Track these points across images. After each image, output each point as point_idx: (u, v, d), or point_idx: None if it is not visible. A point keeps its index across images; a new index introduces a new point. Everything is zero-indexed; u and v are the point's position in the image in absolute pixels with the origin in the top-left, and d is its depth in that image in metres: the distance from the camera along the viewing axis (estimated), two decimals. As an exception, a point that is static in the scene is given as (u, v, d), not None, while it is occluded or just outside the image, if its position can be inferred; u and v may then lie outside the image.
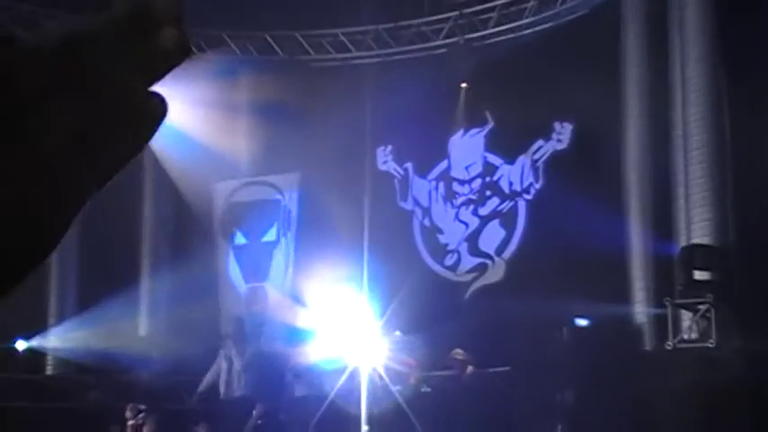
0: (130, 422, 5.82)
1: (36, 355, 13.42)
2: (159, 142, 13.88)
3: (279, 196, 13.75)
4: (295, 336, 12.28)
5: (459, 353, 11.05)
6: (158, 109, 0.63)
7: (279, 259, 13.65)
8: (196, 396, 11.15)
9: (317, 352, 11.04)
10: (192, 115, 13.82)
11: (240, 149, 14.27)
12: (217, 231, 13.86)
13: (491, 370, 11.99)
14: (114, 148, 0.62)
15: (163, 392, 13.35)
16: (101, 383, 11.89)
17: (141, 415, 5.64)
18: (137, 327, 13.50)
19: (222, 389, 11.36)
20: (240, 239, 13.89)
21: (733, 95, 10.18)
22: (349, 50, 14.29)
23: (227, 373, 11.37)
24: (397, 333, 11.33)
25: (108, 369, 12.25)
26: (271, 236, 13.76)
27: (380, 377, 11.07)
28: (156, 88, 0.63)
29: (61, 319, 13.54)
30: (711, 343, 9.63)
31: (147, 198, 14.04)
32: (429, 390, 11.07)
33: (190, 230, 13.86)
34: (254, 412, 9.11)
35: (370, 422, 8.48)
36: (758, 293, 9.55)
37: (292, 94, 14.04)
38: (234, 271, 13.86)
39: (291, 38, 14.40)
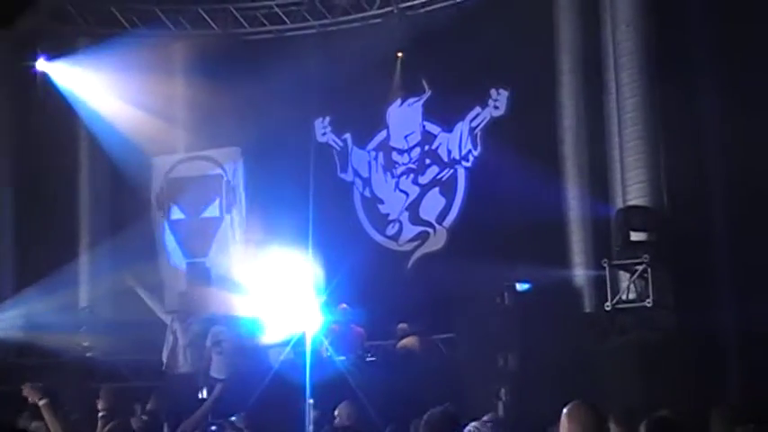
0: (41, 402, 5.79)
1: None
2: (96, 117, 13.77)
3: (220, 171, 13.64)
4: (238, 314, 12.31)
5: (402, 328, 11.16)
6: None
7: (223, 235, 13.54)
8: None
9: (261, 325, 11.05)
10: (127, 90, 13.69)
11: (178, 123, 14.15)
12: (153, 206, 13.71)
13: (435, 337, 12.12)
14: None
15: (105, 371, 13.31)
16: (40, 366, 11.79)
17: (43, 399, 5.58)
18: (77, 301, 13.36)
19: (166, 363, 11.36)
20: (177, 214, 13.74)
21: (663, 58, 10.31)
22: (284, 22, 14.21)
23: (171, 347, 11.37)
24: (344, 305, 11.39)
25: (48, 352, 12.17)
26: (212, 211, 13.65)
27: (326, 349, 11.14)
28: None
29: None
30: (649, 303, 9.81)
31: (83, 172, 13.88)
32: (374, 359, 11.17)
33: (128, 205, 13.71)
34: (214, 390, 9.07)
35: (314, 394, 8.51)
36: (690, 252, 9.74)
37: (228, 68, 13.95)
38: (171, 246, 13.72)
39: (225, 11, 14.28)
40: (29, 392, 6.03)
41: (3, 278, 13.40)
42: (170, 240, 13.72)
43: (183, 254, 13.64)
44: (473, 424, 5.87)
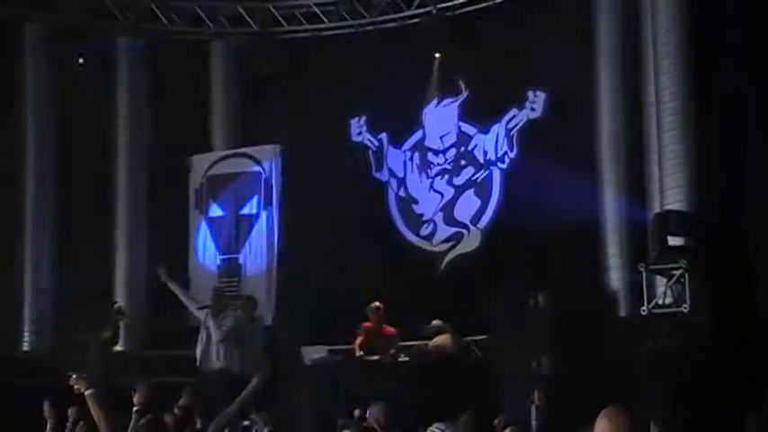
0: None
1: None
2: (135, 114, 13.87)
3: (259, 168, 13.67)
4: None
5: (436, 325, 11.12)
6: None
7: (258, 231, 13.58)
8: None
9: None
10: (166, 87, 13.79)
11: (216, 121, 14.22)
12: (191, 203, 13.77)
13: (468, 338, 12.09)
14: None
15: (143, 365, 13.40)
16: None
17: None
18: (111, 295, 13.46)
19: (199, 360, 11.41)
20: (216, 211, 13.81)
21: (702, 63, 10.23)
22: (322, 21, 14.24)
23: (205, 344, 11.42)
24: (377, 304, 11.38)
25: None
26: (251, 208, 13.69)
27: (359, 348, 11.15)
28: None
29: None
30: (685, 308, 9.73)
31: (121, 169, 13.97)
32: (407, 359, 11.15)
33: (165, 202, 13.79)
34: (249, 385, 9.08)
35: (347, 394, 8.55)
36: (728, 258, 9.65)
37: (266, 67, 14.02)
38: (206, 243, 13.76)
39: (264, 10, 14.33)
40: (76, 381, 6.08)
41: (42, 272, 13.51)
42: (206, 238, 13.76)
43: (217, 249, 13.69)
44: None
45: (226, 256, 13.62)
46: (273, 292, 13.05)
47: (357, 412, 7.71)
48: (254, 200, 13.63)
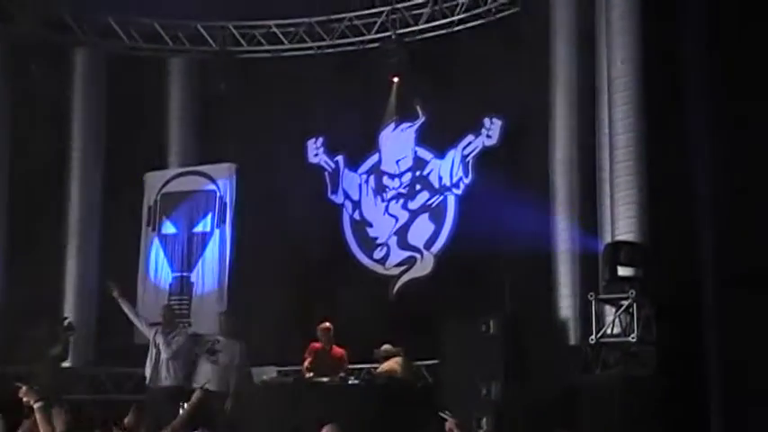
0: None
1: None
2: (89, 129, 13.77)
3: (212, 186, 13.61)
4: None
5: (386, 349, 11.13)
6: None
7: (211, 250, 13.51)
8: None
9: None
10: (122, 103, 13.71)
11: (172, 139, 14.17)
12: (144, 220, 13.67)
13: (419, 363, 12.11)
14: None
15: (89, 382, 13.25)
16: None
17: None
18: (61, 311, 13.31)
19: (149, 377, 11.32)
20: (170, 229, 13.72)
21: (657, 96, 10.39)
22: (281, 42, 14.28)
23: (154, 361, 11.33)
24: (327, 325, 11.38)
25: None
26: (204, 226, 13.62)
27: (308, 369, 11.12)
28: None
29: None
30: (633, 338, 9.84)
31: (75, 183, 13.84)
32: (356, 382, 11.14)
33: (118, 218, 13.69)
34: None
35: (298, 416, 8.53)
36: (676, 290, 9.78)
37: (225, 85, 14.01)
38: (157, 260, 13.65)
39: (224, 28, 14.34)
40: (25, 394, 6.02)
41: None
42: (158, 255, 13.66)
43: (170, 268, 13.61)
44: None
45: (178, 274, 13.54)
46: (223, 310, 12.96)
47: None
48: (208, 218, 13.56)
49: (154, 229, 13.63)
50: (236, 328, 11.01)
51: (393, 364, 11.11)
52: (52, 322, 12.19)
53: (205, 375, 10.62)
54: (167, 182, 13.73)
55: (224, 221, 13.45)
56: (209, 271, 13.44)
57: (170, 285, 13.49)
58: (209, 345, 10.89)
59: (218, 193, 13.52)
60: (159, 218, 13.66)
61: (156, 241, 13.65)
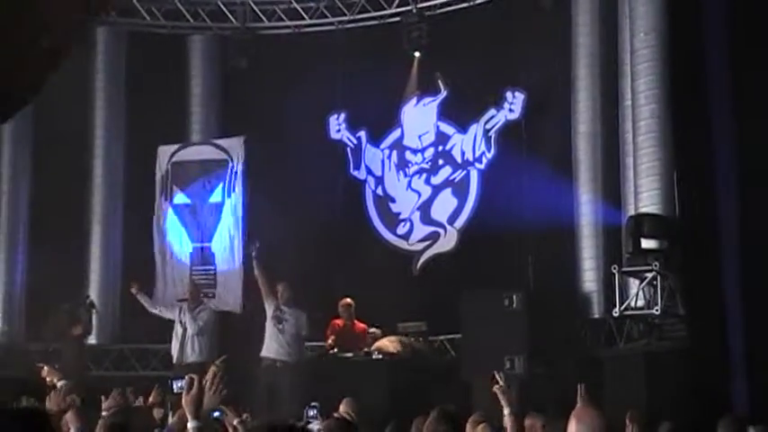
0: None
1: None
2: (112, 105, 13.82)
3: (226, 157, 13.60)
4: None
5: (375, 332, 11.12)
6: (84, 39, 0.65)
7: (226, 220, 13.53)
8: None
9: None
10: (144, 79, 13.73)
11: (193, 114, 14.18)
12: (157, 191, 13.69)
13: (442, 337, 12.13)
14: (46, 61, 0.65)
15: (115, 359, 13.37)
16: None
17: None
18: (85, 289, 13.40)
19: (175, 355, 11.41)
20: (183, 199, 13.70)
21: (679, 67, 10.30)
22: (302, 18, 14.25)
23: (180, 338, 11.41)
24: (348, 300, 11.41)
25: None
26: (217, 197, 13.63)
27: (331, 346, 11.17)
28: None
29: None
30: (657, 311, 9.81)
31: (96, 161, 13.90)
32: (381, 357, 11.18)
33: (141, 194, 13.74)
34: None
35: (318, 390, 8.56)
36: (700, 262, 9.72)
37: (245, 62, 14.00)
38: (175, 232, 13.67)
39: (244, 4, 14.32)
40: (48, 373, 6.09)
41: (14, 264, 13.45)
42: (174, 225, 13.67)
43: (189, 238, 13.62)
44: None
45: (198, 245, 13.56)
46: (241, 283, 13.01)
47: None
48: (220, 187, 13.55)
49: (167, 199, 13.64)
50: (299, 298, 11.02)
51: (385, 342, 11.10)
52: (74, 301, 12.30)
53: (271, 344, 10.72)
54: (176, 151, 13.71)
55: (233, 191, 13.43)
56: (226, 241, 13.44)
57: (191, 255, 13.51)
58: (275, 312, 10.91)
59: (230, 164, 13.50)
60: (171, 188, 13.65)
61: (171, 212, 13.66)
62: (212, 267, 13.34)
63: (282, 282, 11.11)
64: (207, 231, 13.52)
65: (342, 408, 7.72)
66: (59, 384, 6.01)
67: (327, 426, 4.19)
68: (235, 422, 4.58)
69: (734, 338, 9.05)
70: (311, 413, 7.27)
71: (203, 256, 13.43)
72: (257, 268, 11.15)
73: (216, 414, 4.48)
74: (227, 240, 13.37)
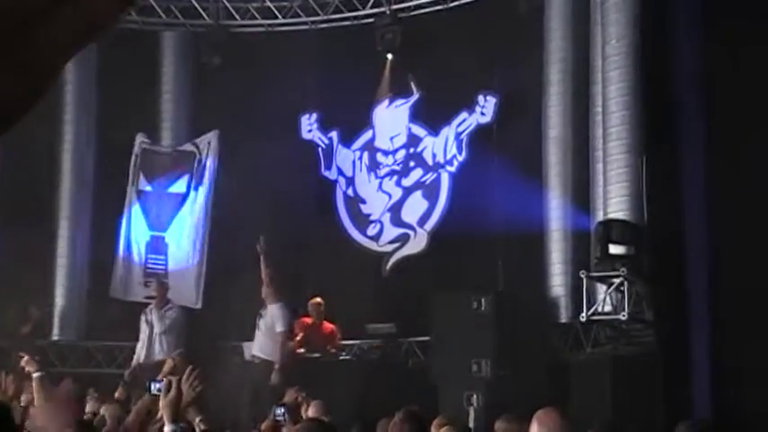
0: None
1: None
2: (83, 102, 13.73)
3: (192, 148, 13.55)
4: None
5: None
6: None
7: (187, 212, 13.47)
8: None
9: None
10: (115, 76, 13.65)
11: (163, 114, 14.12)
12: (129, 179, 13.63)
13: (410, 339, 12.14)
14: (66, 30, 0.64)
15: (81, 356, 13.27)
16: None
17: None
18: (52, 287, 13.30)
19: (142, 353, 11.34)
20: (146, 186, 13.65)
21: (651, 74, 10.36)
22: (275, 17, 14.22)
23: (147, 337, 11.36)
24: (318, 300, 11.39)
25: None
26: (179, 187, 13.56)
27: (299, 344, 11.13)
28: None
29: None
30: (624, 316, 9.86)
31: (65, 154, 13.80)
32: (348, 358, 11.17)
33: (110, 192, 13.66)
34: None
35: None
36: (668, 268, 9.79)
37: (218, 59, 13.95)
38: (137, 219, 13.61)
39: (217, 2, 14.26)
40: (27, 363, 6.03)
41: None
42: (137, 213, 13.62)
43: (147, 225, 13.58)
44: None
45: (154, 233, 13.52)
46: (202, 279, 12.98)
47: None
48: (184, 179, 13.50)
49: (133, 185, 13.60)
50: (279, 294, 10.92)
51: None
52: (24, 300, 12.24)
53: (255, 341, 10.68)
54: (149, 141, 13.68)
55: (201, 184, 13.39)
56: (185, 234, 13.39)
57: (147, 244, 13.48)
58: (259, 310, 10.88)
59: (197, 156, 13.45)
60: (137, 175, 13.61)
61: (135, 197, 13.61)
62: (164, 257, 13.31)
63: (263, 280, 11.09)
64: (164, 220, 13.47)
65: (311, 411, 7.70)
66: (35, 375, 5.96)
67: (305, 428, 4.14)
68: (197, 420, 4.55)
69: (698, 345, 9.13)
70: (278, 412, 7.25)
71: (157, 245, 13.39)
72: (263, 266, 11.11)
73: (156, 386, 4.41)
74: (186, 233, 13.31)
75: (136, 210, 13.54)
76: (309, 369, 10.61)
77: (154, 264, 13.25)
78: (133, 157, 13.55)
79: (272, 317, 10.78)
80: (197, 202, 13.32)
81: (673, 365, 9.21)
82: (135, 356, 11.41)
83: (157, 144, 13.79)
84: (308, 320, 11.32)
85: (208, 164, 13.30)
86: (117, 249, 13.43)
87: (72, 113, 13.74)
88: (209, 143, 13.37)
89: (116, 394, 8.63)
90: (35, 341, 12.28)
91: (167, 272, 13.16)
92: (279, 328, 10.72)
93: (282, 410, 7.22)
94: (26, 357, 6.09)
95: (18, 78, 0.62)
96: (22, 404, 7.40)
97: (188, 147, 13.58)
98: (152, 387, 4.66)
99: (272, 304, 10.83)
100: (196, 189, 13.39)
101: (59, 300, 13.34)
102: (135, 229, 13.50)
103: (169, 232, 13.42)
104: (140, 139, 13.57)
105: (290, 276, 12.38)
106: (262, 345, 10.66)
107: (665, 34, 10.04)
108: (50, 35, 0.62)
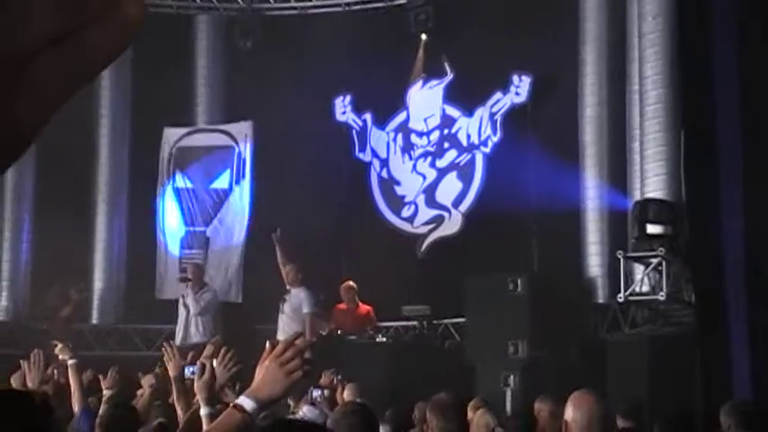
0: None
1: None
2: (117, 88, 13.80)
3: (232, 143, 13.61)
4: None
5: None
6: (137, 15, 0.63)
7: (230, 206, 13.54)
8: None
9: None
10: (149, 62, 13.70)
11: (198, 97, 14.17)
12: (160, 174, 13.70)
13: (446, 321, 12.12)
14: (93, 52, 0.62)
15: (118, 339, 13.38)
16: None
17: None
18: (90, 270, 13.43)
19: (179, 336, 11.41)
20: (184, 182, 13.71)
21: (688, 52, 10.22)
22: (308, 0, 14.18)
23: (184, 319, 11.43)
24: (350, 282, 11.37)
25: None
26: (222, 183, 13.63)
27: (338, 330, 11.14)
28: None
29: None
30: (662, 296, 9.77)
31: (102, 140, 13.90)
32: (384, 340, 11.17)
33: (145, 174, 13.75)
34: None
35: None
36: (706, 248, 9.68)
37: (251, 43, 13.95)
38: (172, 214, 13.69)
39: (251, -15, 14.26)
40: (62, 351, 6.08)
41: (20, 239, 13.45)
42: (173, 208, 13.68)
43: (183, 221, 13.64)
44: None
45: (191, 229, 13.59)
46: (242, 269, 13.06)
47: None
48: (226, 174, 13.57)
49: (168, 181, 13.67)
50: (299, 277, 10.98)
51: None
52: (66, 283, 12.33)
53: (279, 325, 10.73)
54: (184, 136, 13.74)
55: (243, 178, 13.44)
56: (228, 228, 13.46)
57: (182, 240, 13.55)
58: (283, 294, 10.96)
59: (236, 150, 13.51)
60: (174, 171, 13.67)
61: (171, 194, 13.68)
62: (202, 253, 13.38)
63: (289, 263, 11.11)
64: (205, 216, 13.53)
65: (346, 394, 7.71)
66: (70, 362, 6.01)
67: (346, 411, 4.12)
68: (235, 401, 4.54)
69: (736, 325, 9.02)
70: (316, 393, 7.27)
71: (196, 240, 13.46)
72: (280, 254, 11.16)
73: (190, 370, 4.42)
74: (230, 224, 13.38)
75: (172, 206, 13.61)
76: (345, 351, 10.62)
77: (190, 258, 13.29)
78: (167, 153, 13.59)
79: (297, 298, 10.82)
80: (242, 197, 13.41)
81: (711, 346, 9.11)
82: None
83: (192, 134, 13.80)
84: (342, 306, 11.32)
85: (247, 157, 13.36)
86: (156, 240, 13.50)
87: (107, 98, 13.81)
88: (245, 135, 13.41)
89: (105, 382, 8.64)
90: (74, 324, 12.40)
91: (205, 261, 13.24)
92: (306, 309, 10.77)
93: (320, 392, 7.24)
94: (60, 345, 6.13)
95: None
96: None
97: (224, 139, 13.61)
98: (185, 372, 4.67)
99: (295, 288, 10.88)
100: (238, 183, 13.46)
101: (98, 283, 13.46)
102: (169, 226, 13.57)
103: (212, 227, 13.49)
104: (175, 137, 13.60)
105: (324, 260, 12.41)
106: (286, 327, 10.69)
107: (703, 10, 9.89)
108: (43, 81, 0.60)
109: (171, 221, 13.57)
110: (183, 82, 13.96)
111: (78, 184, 13.49)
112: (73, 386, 5.84)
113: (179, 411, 4.70)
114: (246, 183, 13.41)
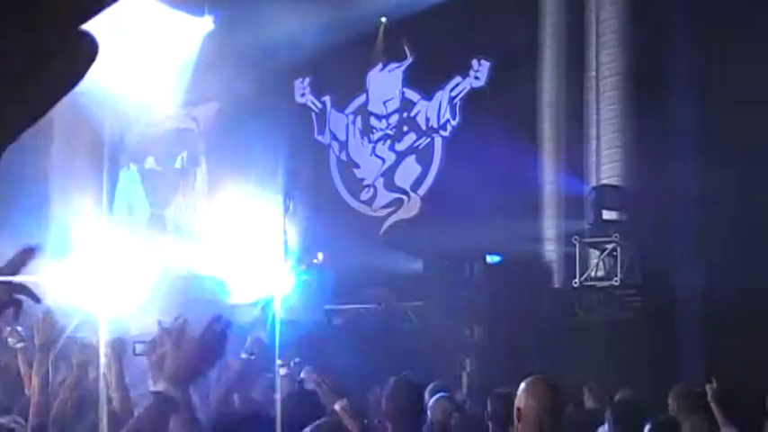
0: None
1: None
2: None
3: (193, 124, 13.53)
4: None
5: None
6: (91, 48, 0.64)
7: (187, 187, 13.49)
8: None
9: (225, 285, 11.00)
10: (110, 47, 13.54)
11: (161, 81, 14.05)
12: (126, 156, 13.63)
13: (404, 304, 12.16)
14: (48, 86, 0.63)
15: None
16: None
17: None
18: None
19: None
20: (151, 164, 13.65)
21: (644, 38, 10.31)
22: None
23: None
24: (320, 255, 11.38)
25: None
26: (180, 163, 13.59)
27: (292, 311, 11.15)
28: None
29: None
30: (616, 281, 9.88)
31: (57, 126, 13.76)
32: (341, 322, 11.20)
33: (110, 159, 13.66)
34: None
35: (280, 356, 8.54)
36: (660, 234, 9.79)
37: (213, 23, 13.85)
38: (136, 196, 13.63)
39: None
40: (10, 334, 6.00)
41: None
42: (138, 190, 13.62)
43: (149, 203, 13.58)
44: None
45: (154, 211, 13.54)
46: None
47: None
48: (184, 154, 13.51)
49: (137, 165, 13.60)
50: None
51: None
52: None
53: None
54: (152, 122, 13.66)
55: (198, 157, 13.39)
56: (184, 207, 13.40)
57: (148, 222, 13.50)
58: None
59: (196, 131, 13.44)
60: (142, 153, 13.61)
61: (138, 176, 13.62)
62: (163, 233, 13.34)
63: None
64: (165, 198, 13.49)
65: (304, 376, 7.70)
66: (19, 347, 5.92)
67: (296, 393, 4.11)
68: None
69: (687, 309, 9.16)
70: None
71: (157, 221, 13.42)
72: None
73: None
74: (187, 205, 13.33)
75: (138, 188, 13.56)
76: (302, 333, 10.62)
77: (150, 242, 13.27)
78: (136, 136, 13.51)
79: None
80: (197, 176, 13.35)
81: (663, 331, 9.25)
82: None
83: (161, 121, 13.74)
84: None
85: (205, 137, 13.30)
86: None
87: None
88: (207, 119, 13.35)
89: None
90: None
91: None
92: None
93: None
94: (8, 329, 6.03)
95: None
96: None
97: (187, 122, 13.53)
98: (135, 348, 4.64)
99: None
100: (193, 164, 13.40)
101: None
102: (135, 208, 13.52)
103: (170, 209, 13.44)
104: (140, 120, 13.52)
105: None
106: None
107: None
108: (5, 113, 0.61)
109: (138, 203, 13.54)
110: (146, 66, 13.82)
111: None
112: (23, 371, 5.75)
113: None
114: (203, 164, 13.34)
